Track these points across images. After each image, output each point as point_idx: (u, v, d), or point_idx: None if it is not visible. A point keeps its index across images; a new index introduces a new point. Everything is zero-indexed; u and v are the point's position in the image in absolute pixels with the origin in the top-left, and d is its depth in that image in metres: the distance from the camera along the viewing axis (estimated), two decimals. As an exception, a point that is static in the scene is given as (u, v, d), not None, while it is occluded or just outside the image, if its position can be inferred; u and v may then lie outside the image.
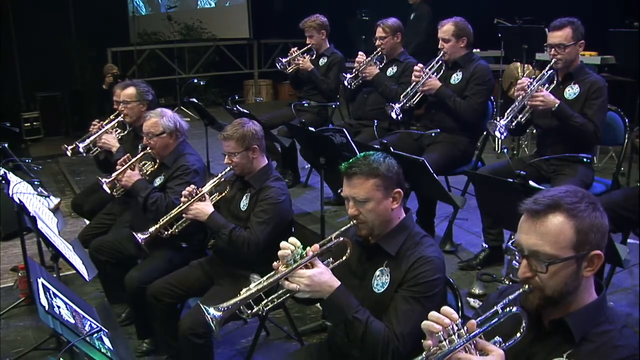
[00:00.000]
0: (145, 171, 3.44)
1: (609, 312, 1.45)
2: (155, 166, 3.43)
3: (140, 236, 2.94)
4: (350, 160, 2.06)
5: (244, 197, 2.92)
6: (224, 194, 3.00)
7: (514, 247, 1.47)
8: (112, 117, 3.97)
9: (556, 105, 3.00)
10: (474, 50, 6.42)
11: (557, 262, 1.39)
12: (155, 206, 3.14)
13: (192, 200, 2.86)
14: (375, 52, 4.25)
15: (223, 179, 2.98)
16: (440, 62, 3.70)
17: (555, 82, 3.16)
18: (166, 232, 2.99)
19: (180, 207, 2.90)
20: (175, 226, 2.98)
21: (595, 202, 1.44)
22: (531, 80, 3.12)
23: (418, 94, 3.68)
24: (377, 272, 2.04)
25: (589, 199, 1.43)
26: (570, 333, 1.41)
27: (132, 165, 3.33)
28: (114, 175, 3.35)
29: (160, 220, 2.96)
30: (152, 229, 2.94)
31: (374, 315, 1.97)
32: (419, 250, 1.99)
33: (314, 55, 4.78)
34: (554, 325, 1.46)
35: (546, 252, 1.39)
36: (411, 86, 3.70)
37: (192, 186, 2.90)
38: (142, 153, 3.37)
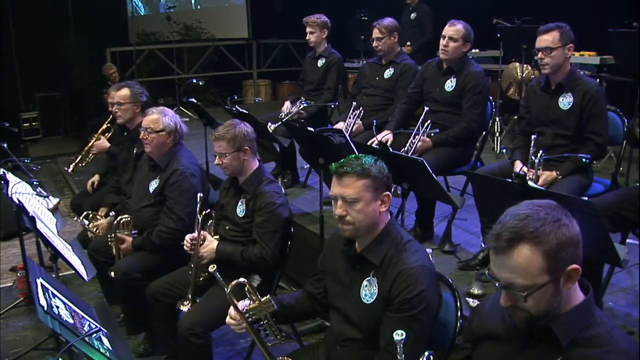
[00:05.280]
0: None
1: (597, 314, 1.43)
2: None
3: (183, 309, 2.88)
4: (341, 160, 2.05)
5: (240, 203, 2.92)
6: (214, 220, 3.04)
7: (490, 276, 1.46)
8: (104, 127, 4.47)
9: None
10: (473, 50, 6.48)
11: (534, 292, 1.37)
12: (153, 245, 3.18)
13: (197, 246, 2.86)
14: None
15: (212, 221, 3.02)
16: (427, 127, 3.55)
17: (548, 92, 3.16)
18: (199, 280, 2.94)
19: (192, 261, 2.88)
20: (200, 275, 2.93)
21: (560, 216, 1.38)
22: None
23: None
24: (365, 282, 2.04)
25: (552, 216, 1.37)
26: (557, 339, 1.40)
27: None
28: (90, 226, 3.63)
29: (190, 290, 2.89)
30: (189, 295, 2.89)
31: (365, 324, 2.00)
32: (402, 259, 1.97)
33: (316, 53, 4.82)
34: (541, 332, 1.44)
35: (521, 284, 1.37)
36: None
37: (190, 236, 2.90)
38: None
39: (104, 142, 4.35)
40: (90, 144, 4.42)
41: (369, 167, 2.01)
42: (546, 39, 3.06)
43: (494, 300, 1.63)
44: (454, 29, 3.63)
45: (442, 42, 3.66)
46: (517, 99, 5.59)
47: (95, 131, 4.56)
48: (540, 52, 3.09)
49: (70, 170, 4.64)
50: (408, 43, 6.25)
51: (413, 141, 3.54)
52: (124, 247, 3.27)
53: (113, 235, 3.26)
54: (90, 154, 4.50)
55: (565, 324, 1.40)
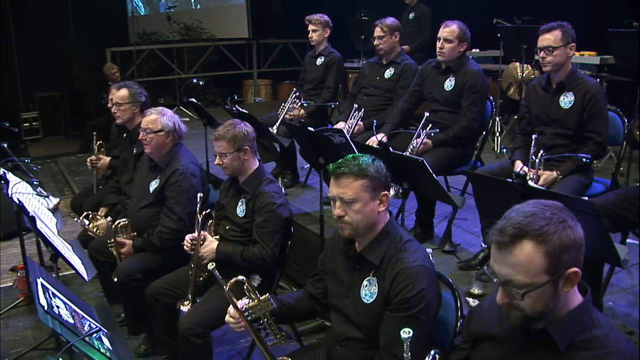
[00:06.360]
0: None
1: (595, 315, 1.42)
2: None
3: (183, 309, 2.89)
4: (339, 161, 2.05)
5: (240, 203, 2.92)
6: (214, 220, 3.03)
7: (489, 272, 1.46)
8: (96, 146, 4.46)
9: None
10: (473, 50, 6.48)
11: (532, 290, 1.36)
12: (154, 246, 3.18)
13: (197, 247, 2.86)
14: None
15: (212, 221, 3.01)
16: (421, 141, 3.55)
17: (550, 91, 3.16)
18: (200, 280, 2.95)
19: (192, 261, 2.89)
20: (201, 275, 2.94)
21: (565, 218, 1.37)
22: None
23: None
24: (365, 282, 2.04)
25: (558, 217, 1.36)
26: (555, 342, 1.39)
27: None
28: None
29: (190, 290, 2.90)
30: (189, 295, 2.90)
31: (365, 324, 2.00)
32: (401, 258, 1.97)
33: (316, 52, 4.82)
34: (539, 336, 1.43)
35: (520, 281, 1.36)
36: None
37: (190, 236, 2.90)
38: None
39: (104, 161, 4.36)
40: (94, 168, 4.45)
41: (366, 167, 2.00)
42: (548, 38, 3.06)
43: (492, 301, 1.62)
44: (448, 30, 3.63)
45: (438, 44, 3.66)
46: (517, 99, 5.60)
47: (92, 135, 4.57)
48: (542, 51, 3.09)
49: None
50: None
51: (414, 145, 3.54)
52: (125, 250, 3.27)
53: (112, 240, 3.26)
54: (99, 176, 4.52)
55: (562, 327, 1.39)
